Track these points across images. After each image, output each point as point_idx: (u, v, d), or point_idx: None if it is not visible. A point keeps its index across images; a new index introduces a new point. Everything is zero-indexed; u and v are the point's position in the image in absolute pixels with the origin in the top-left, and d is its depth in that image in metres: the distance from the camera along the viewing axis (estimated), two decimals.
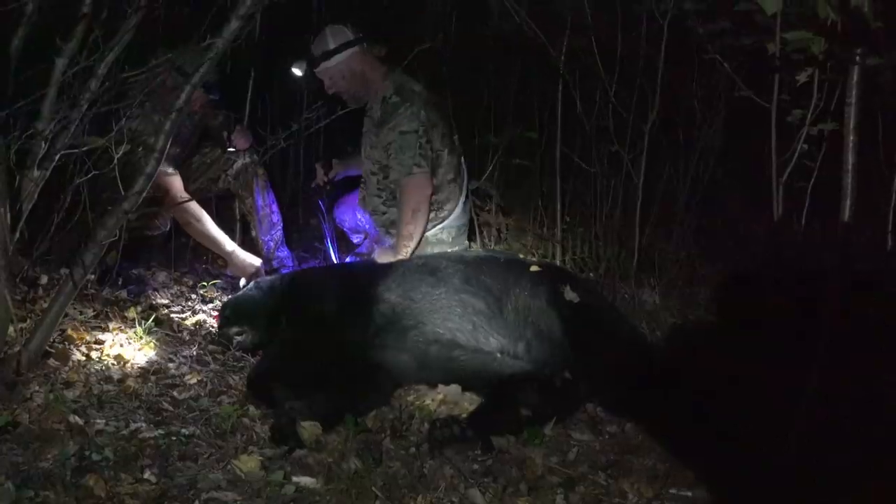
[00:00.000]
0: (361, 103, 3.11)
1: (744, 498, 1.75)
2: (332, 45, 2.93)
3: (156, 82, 2.10)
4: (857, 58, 1.46)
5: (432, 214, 3.11)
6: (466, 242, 3.35)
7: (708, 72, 2.68)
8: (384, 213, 3.21)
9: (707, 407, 2.25)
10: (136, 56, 2.04)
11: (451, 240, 3.22)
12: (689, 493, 1.78)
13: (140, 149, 2.28)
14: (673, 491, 1.79)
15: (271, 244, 3.45)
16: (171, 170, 3.00)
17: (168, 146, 2.09)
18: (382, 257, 3.03)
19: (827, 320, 1.68)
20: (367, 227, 3.44)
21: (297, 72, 2.97)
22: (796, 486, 1.68)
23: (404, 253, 2.98)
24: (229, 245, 3.21)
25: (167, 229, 3.25)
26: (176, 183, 3.04)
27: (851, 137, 1.50)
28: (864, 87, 1.47)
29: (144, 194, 2.09)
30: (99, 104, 1.94)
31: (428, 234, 3.13)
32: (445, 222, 3.20)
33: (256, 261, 3.24)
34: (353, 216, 3.48)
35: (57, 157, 1.95)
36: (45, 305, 2.14)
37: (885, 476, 1.64)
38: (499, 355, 2.34)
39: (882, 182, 1.89)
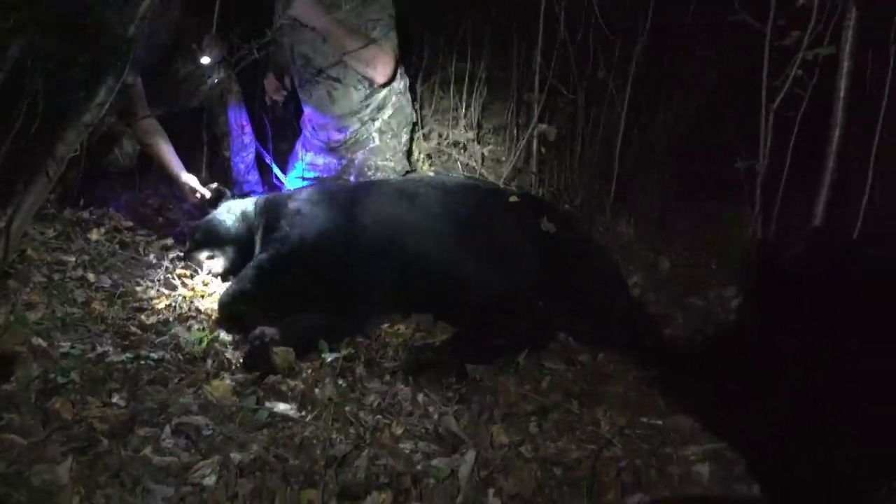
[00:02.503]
0: None
1: (711, 426, 1.77)
2: None
3: None
4: None
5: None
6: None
7: None
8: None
9: (675, 339, 2.29)
10: None
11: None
12: (660, 422, 1.80)
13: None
14: (644, 420, 1.81)
15: (241, 166, 3.33)
16: (136, 80, 2.80)
17: (134, 55, 1.96)
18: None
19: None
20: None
21: None
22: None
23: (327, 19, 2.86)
24: (177, 167, 2.99)
25: (133, 164, 3.09)
26: (139, 95, 2.88)
27: (846, 63, 1.46)
28: (863, 11, 1.42)
29: (107, 106, 1.97)
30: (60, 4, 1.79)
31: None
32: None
33: (194, 182, 2.97)
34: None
35: (13, 60, 1.81)
36: (2, 225, 2.03)
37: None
38: (473, 284, 2.32)
39: (871, 119, 1.86)
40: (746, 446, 1.59)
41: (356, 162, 3.19)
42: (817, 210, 1.78)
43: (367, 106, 3.16)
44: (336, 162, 3.24)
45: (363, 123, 3.18)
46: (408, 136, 3.30)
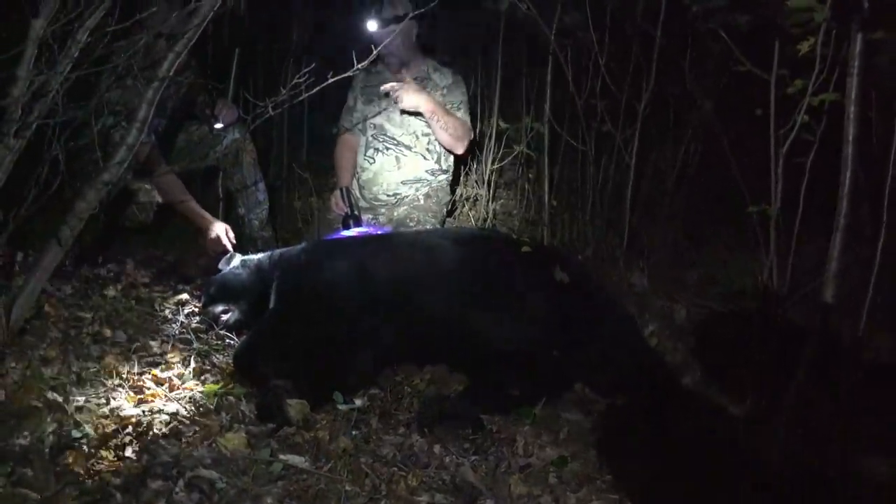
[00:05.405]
0: (399, 69, 3.36)
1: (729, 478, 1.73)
2: (401, 12, 3.13)
3: (138, 46, 2.01)
4: (859, 28, 1.44)
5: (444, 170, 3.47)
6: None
7: (702, 47, 2.63)
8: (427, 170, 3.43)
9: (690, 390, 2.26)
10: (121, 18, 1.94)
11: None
12: (679, 471, 1.75)
13: (121, 119, 2.20)
14: (664, 468, 1.77)
15: (255, 222, 3.37)
16: (152, 139, 2.88)
17: (151, 116, 2.02)
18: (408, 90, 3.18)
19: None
20: None
21: (371, 27, 3.17)
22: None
23: (432, 101, 3.22)
24: (206, 218, 3.04)
25: (150, 220, 3.14)
26: (156, 155, 2.94)
27: (853, 108, 1.48)
28: (866, 58, 1.45)
29: (126, 165, 2.02)
30: (80, 69, 1.86)
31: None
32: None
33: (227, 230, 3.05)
34: None
35: (34, 125, 1.87)
36: (21, 282, 2.06)
37: None
38: (487, 335, 2.31)
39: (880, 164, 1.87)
40: None
41: (397, 215, 3.34)
42: (832, 253, 1.76)
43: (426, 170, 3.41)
44: (374, 217, 3.38)
45: (416, 190, 3.41)
46: (446, 210, 3.52)
